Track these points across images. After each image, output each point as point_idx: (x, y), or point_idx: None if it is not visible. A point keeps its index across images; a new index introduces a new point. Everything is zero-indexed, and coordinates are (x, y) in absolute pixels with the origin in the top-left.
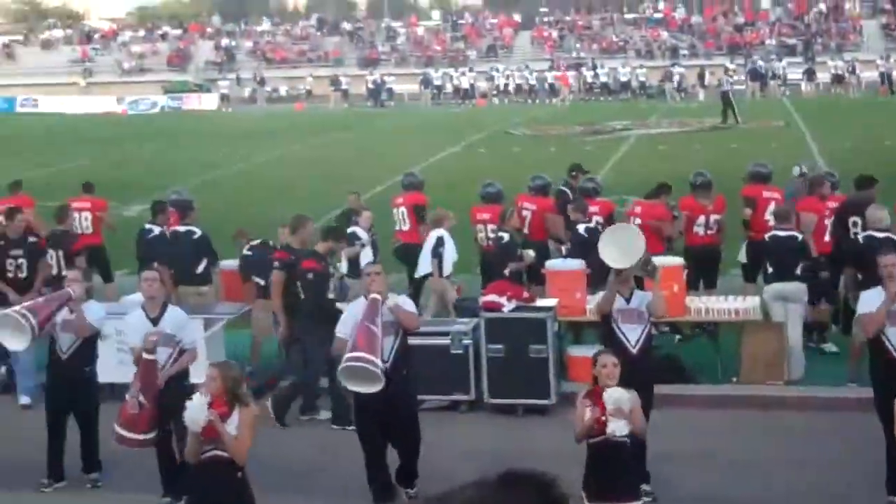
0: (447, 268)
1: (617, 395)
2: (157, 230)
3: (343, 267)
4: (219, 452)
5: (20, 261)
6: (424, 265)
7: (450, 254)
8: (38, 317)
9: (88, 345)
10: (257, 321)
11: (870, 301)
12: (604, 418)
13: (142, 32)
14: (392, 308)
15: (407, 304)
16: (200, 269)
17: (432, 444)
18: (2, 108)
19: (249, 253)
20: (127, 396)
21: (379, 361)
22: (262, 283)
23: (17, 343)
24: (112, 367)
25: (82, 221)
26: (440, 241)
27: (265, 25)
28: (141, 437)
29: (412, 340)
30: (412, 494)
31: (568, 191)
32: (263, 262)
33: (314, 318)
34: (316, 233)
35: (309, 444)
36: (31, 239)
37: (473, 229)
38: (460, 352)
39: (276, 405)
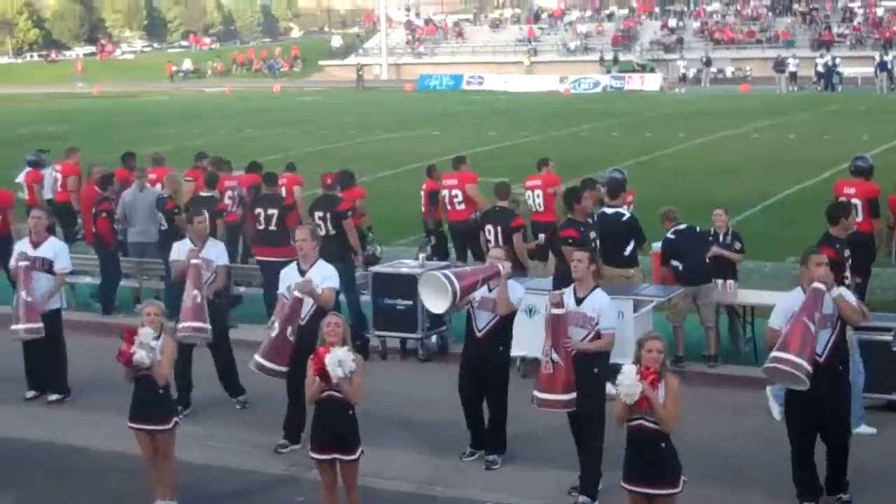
0: None
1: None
2: None
3: None
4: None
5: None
6: None
7: None
8: (462, 282)
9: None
10: (675, 307)
11: None
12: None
13: (589, 12)
14: (835, 299)
15: (847, 295)
16: (627, 251)
17: (864, 443)
18: (450, 84)
19: (672, 237)
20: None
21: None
22: (679, 267)
23: (437, 305)
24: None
25: (535, 199)
26: None
27: (715, 6)
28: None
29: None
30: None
31: None
32: (682, 248)
33: None
34: None
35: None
36: None
37: None
38: None
39: None
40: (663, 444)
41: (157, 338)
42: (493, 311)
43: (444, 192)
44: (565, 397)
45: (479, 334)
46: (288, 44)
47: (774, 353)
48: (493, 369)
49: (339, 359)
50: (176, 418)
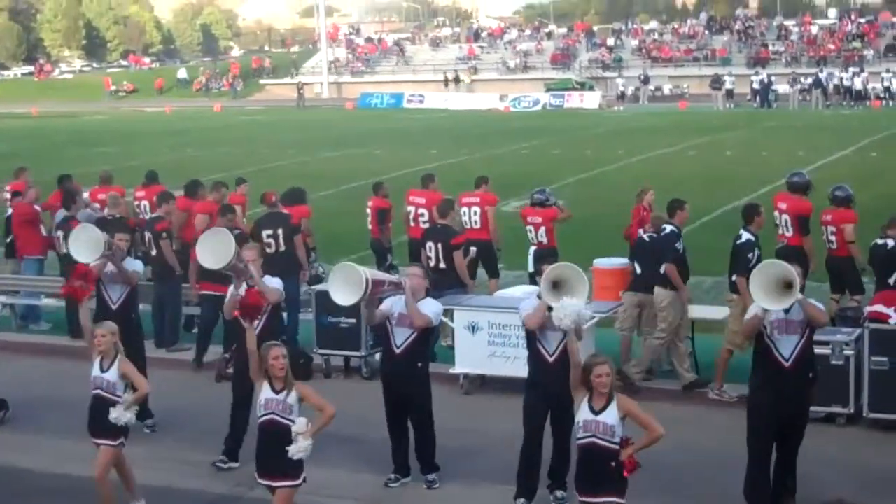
0: None
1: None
2: None
3: None
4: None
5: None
6: None
7: None
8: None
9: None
10: (623, 317)
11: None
12: None
13: (528, 31)
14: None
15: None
16: None
17: (806, 456)
18: (391, 102)
19: (645, 239)
20: None
21: None
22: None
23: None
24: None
25: (472, 216)
26: None
27: (652, 24)
28: None
29: None
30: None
31: None
32: (639, 253)
33: None
34: None
35: None
36: None
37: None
38: (840, 363)
39: None
40: (613, 463)
41: (114, 360)
42: (411, 328)
43: (411, 209)
44: None
45: (397, 351)
46: (226, 63)
47: None
48: (414, 386)
49: None
50: (122, 438)
